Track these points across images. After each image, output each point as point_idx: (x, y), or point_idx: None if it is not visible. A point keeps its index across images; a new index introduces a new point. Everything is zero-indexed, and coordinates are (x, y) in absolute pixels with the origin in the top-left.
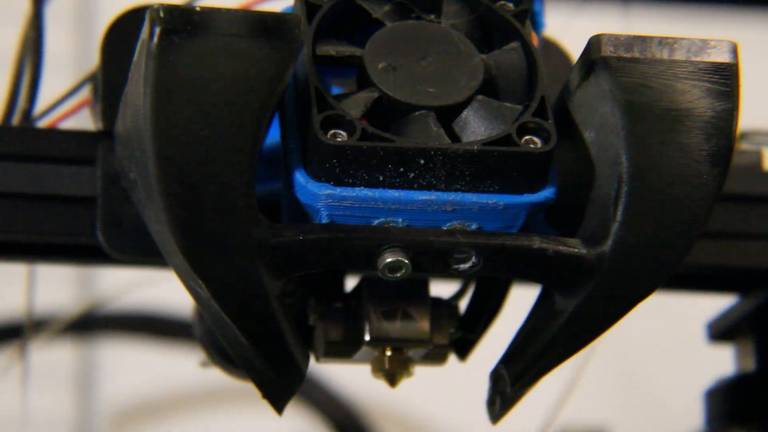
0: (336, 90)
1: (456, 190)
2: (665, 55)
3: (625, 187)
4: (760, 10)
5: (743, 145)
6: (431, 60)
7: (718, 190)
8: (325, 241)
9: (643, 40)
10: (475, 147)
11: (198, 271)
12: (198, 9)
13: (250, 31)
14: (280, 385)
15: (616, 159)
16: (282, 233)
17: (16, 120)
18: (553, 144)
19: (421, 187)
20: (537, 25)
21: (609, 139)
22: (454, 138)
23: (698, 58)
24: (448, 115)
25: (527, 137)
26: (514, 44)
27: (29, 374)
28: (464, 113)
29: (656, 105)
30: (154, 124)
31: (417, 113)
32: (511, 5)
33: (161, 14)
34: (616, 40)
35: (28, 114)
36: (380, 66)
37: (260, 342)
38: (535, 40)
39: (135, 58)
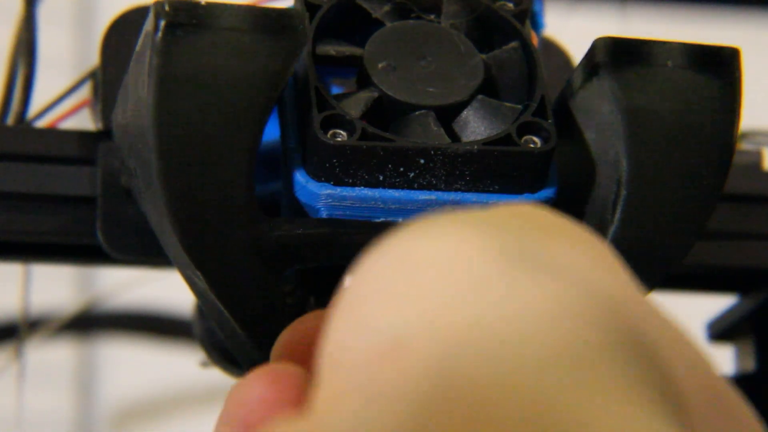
0: (336, 90)
1: (456, 190)
2: (668, 60)
3: (623, 190)
4: (760, 10)
5: (743, 145)
6: (431, 60)
7: (717, 195)
8: (324, 236)
9: (645, 43)
10: (475, 147)
11: (197, 264)
12: (203, 3)
13: (254, 26)
14: None
15: (616, 161)
16: (281, 227)
17: (10, 122)
18: (552, 144)
19: (421, 187)
20: (537, 25)
21: (609, 140)
22: (454, 138)
23: (701, 63)
24: (448, 115)
25: (527, 137)
26: (514, 44)
27: (25, 374)
28: (464, 113)
29: (657, 108)
30: (156, 118)
31: (417, 113)
32: (511, 5)
33: (166, 8)
34: (620, 43)
35: (21, 117)
36: (380, 66)
37: (258, 335)
38: (535, 40)
39: (138, 49)
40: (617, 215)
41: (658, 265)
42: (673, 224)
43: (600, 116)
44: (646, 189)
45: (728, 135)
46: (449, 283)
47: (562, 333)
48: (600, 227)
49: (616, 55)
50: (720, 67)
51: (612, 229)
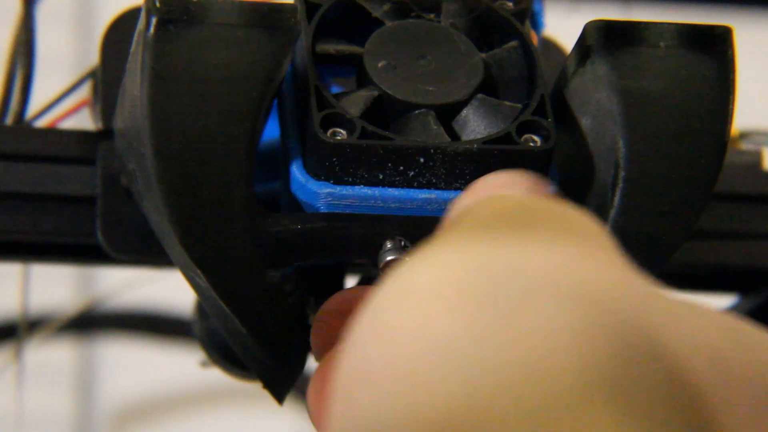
0: (336, 89)
1: (456, 189)
2: (660, 40)
3: (622, 173)
4: (760, 10)
5: (743, 145)
6: (431, 59)
7: (716, 174)
8: (323, 230)
9: (638, 25)
10: (475, 145)
11: (197, 261)
12: None
13: (245, 21)
14: (281, 374)
15: (613, 145)
16: (280, 222)
17: (9, 121)
18: (552, 142)
19: (421, 186)
20: (537, 25)
21: (605, 125)
22: (454, 136)
23: (693, 43)
24: (447, 114)
25: (527, 136)
26: (513, 43)
27: (24, 374)
28: (464, 112)
29: (652, 90)
30: (151, 114)
31: (417, 112)
32: (510, 4)
33: (157, 4)
34: (612, 25)
35: (20, 116)
36: (380, 65)
37: (260, 332)
38: (534, 40)
39: (132, 48)
40: (617, 198)
41: (663, 247)
42: (675, 203)
43: (595, 101)
44: (644, 169)
45: (724, 112)
46: (441, 324)
47: (570, 365)
48: (599, 212)
49: (609, 38)
50: (713, 45)
51: (612, 213)
